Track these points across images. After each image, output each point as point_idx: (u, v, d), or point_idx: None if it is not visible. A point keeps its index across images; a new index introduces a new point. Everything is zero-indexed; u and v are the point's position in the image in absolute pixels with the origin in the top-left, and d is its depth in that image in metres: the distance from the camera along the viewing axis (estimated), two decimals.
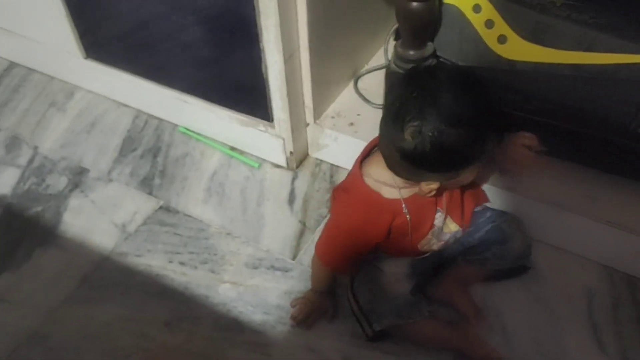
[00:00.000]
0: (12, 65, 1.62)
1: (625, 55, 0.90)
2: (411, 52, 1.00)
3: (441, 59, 1.06)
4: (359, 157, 0.94)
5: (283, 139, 1.23)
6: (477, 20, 0.99)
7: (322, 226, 1.15)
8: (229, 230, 1.18)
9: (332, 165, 1.28)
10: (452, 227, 0.98)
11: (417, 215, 0.92)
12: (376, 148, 0.91)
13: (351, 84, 1.30)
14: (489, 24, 0.99)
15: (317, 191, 1.24)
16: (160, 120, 1.42)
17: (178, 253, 1.15)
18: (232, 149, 1.33)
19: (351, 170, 0.95)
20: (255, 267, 1.11)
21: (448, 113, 0.74)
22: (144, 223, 1.20)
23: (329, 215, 1.13)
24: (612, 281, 1.05)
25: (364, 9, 1.22)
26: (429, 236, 0.96)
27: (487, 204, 1.04)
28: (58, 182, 1.30)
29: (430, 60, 1.04)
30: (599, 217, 1.02)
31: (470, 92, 0.76)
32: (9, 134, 1.43)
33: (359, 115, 1.24)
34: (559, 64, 0.95)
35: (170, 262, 1.13)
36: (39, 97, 1.52)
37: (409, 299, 0.97)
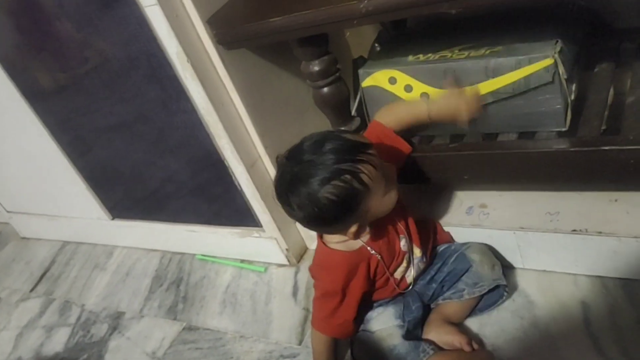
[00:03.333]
0: (64, 243, 1.88)
1: (527, 68, 0.96)
2: (342, 129, 1.12)
3: None
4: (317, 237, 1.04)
5: (276, 239, 1.34)
6: (396, 90, 1.09)
7: None
8: (242, 333, 1.27)
9: None
10: (417, 252, 1.05)
11: (386, 249, 1.01)
12: None
13: None
14: (408, 88, 1.08)
15: None
16: (182, 254, 1.58)
17: None
18: (242, 261, 1.46)
19: (316, 249, 1.06)
20: None
21: (312, 177, 0.87)
22: (170, 346, 1.32)
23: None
24: (605, 289, 1.02)
25: (306, 110, 1.30)
26: (403, 263, 1.03)
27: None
28: (100, 329, 1.46)
29: None
30: (563, 228, 1.03)
31: (322, 150, 0.88)
32: (62, 300, 1.63)
33: None
34: None
35: None
36: (85, 264, 1.75)
37: (407, 345, 1.00)
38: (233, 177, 1.27)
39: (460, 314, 1.06)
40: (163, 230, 1.56)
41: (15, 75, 1.44)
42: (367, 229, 0.97)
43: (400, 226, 1.03)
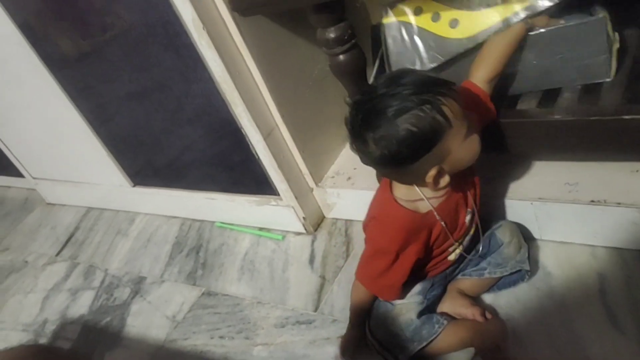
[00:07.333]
0: (89, 209, 1.92)
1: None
2: None
3: None
4: (382, 185, 0.99)
5: (293, 208, 1.35)
6: (422, 21, 1.02)
7: (339, 275, 1.24)
8: (260, 299, 1.29)
9: (346, 220, 1.37)
10: (473, 229, 1.02)
11: (451, 220, 0.96)
12: None
13: (347, 144, 1.41)
14: (435, 17, 1.01)
15: (334, 246, 1.33)
16: (201, 221, 1.61)
17: (218, 329, 1.27)
18: (260, 229, 1.47)
19: (377, 197, 1.00)
20: (283, 326, 1.20)
21: (389, 107, 0.80)
22: (190, 310, 1.35)
23: (345, 263, 1.26)
24: (622, 261, 1.01)
25: (323, 79, 1.30)
26: (459, 240, 1.00)
27: None
28: (123, 293, 1.50)
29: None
30: (582, 199, 1.01)
31: (399, 83, 0.81)
32: (86, 264, 1.68)
33: (355, 169, 1.34)
34: (512, 14, 0.94)
35: (212, 338, 1.25)
36: (108, 230, 1.78)
37: (422, 319, 0.99)
38: (250, 146, 1.27)
39: (476, 290, 1.05)
40: (183, 197, 1.58)
41: (36, 43, 1.45)
42: (448, 180, 0.87)
43: (470, 200, 0.98)
